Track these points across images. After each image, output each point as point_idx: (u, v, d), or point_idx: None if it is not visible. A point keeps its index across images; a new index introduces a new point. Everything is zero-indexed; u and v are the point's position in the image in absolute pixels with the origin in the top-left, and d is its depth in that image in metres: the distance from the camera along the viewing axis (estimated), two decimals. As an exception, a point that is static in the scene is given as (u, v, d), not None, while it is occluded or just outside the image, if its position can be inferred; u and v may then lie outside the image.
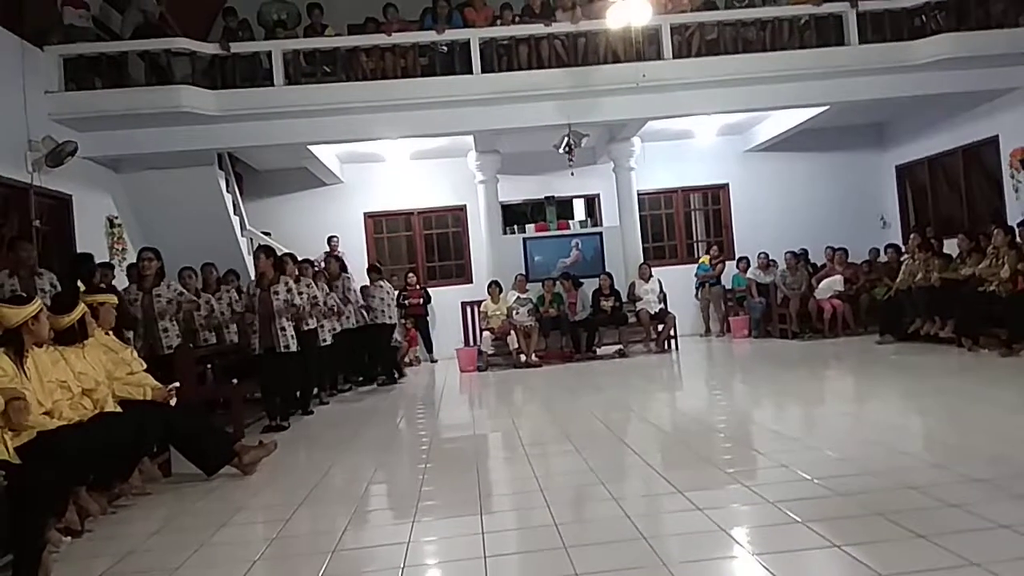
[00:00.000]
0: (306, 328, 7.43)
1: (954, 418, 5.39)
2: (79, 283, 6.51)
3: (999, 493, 3.40)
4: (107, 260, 8.70)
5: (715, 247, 13.03)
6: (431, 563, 3.34)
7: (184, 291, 7.11)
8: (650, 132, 11.86)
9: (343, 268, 9.87)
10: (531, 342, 10.70)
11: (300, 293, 7.36)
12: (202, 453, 4.97)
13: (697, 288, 12.81)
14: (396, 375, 10.02)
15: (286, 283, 7.13)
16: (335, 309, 8.82)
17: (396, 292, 10.44)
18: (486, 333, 10.97)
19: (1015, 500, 3.29)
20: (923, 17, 9.94)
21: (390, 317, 9.88)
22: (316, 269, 9.15)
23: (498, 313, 10.93)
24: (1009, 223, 9.13)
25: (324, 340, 8.11)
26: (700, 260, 13.01)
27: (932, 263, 9.26)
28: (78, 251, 8.34)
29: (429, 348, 12.47)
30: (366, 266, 10.79)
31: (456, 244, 13.48)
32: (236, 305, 8.16)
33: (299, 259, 8.38)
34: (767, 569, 2.77)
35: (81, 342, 4.51)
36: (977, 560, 2.65)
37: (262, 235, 11.33)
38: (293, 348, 7.05)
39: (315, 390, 8.28)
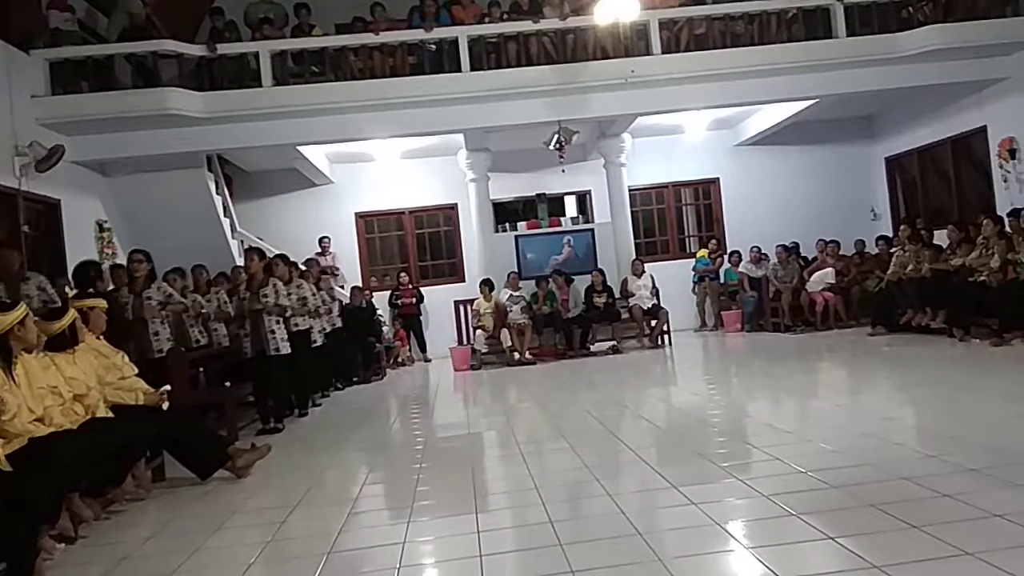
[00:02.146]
0: (296, 329, 7.41)
1: (946, 408, 5.40)
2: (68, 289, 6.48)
3: (992, 482, 3.41)
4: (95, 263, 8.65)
5: (714, 241, 13.05)
6: (427, 563, 3.33)
7: (173, 292, 7.06)
8: (640, 128, 11.87)
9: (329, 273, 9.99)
10: (525, 340, 10.69)
11: (289, 294, 7.34)
12: (196, 457, 4.96)
13: (695, 282, 12.83)
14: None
15: (274, 285, 7.11)
16: (320, 310, 8.75)
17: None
18: (479, 331, 10.97)
19: (1008, 489, 3.31)
20: (910, 9, 9.98)
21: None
22: (304, 270, 9.11)
23: (490, 311, 10.92)
24: (998, 213, 9.16)
25: (314, 341, 8.08)
26: (699, 254, 13.02)
27: (923, 254, 9.30)
28: (67, 257, 8.34)
29: (423, 347, 12.47)
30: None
31: (448, 243, 13.46)
32: (225, 307, 8.13)
33: (290, 259, 8.36)
34: (762, 562, 2.78)
35: (71, 348, 4.49)
36: (971, 550, 2.66)
37: (256, 239, 11.29)
38: (284, 350, 7.03)
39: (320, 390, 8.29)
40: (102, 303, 5.18)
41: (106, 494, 4.30)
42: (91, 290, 5.79)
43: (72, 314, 4.57)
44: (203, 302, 8.03)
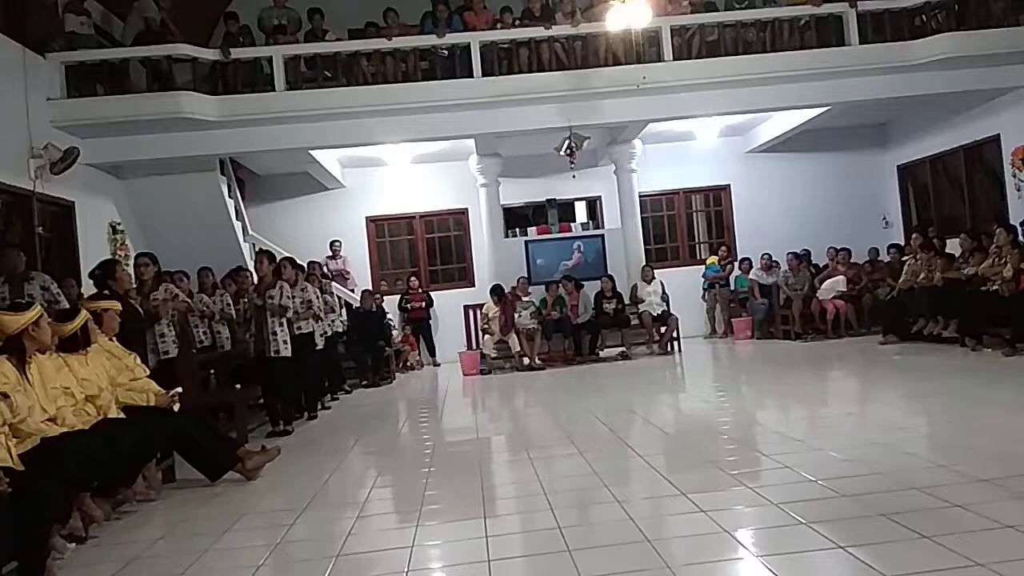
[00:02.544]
0: (299, 332, 7.44)
1: (958, 418, 5.37)
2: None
3: (1003, 493, 3.39)
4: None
5: (724, 247, 13.02)
6: (435, 567, 3.33)
7: (178, 292, 7.12)
8: (651, 134, 11.87)
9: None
10: (534, 345, 10.69)
11: (293, 297, 7.36)
12: (206, 459, 4.97)
13: (705, 289, 12.80)
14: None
15: (281, 287, 7.14)
16: (323, 314, 8.76)
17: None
18: (488, 336, 10.97)
19: (1019, 500, 3.29)
20: (923, 17, 9.94)
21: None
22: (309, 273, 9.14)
23: (497, 316, 10.92)
24: (1011, 222, 9.11)
25: (316, 345, 8.07)
26: (709, 261, 12.99)
27: (935, 263, 9.25)
28: (81, 259, 8.41)
29: (432, 352, 12.48)
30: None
31: (458, 247, 13.48)
32: (228, 309, 8.18)
33: (297, 263, 8.40)
34: (771, 571, 2.77)
35: (84, 349, 4.52)
36: (982, 560, 2.65)
37: (266, 241, 11.34)
38: (284, 352, 7.03)
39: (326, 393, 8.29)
40: (115, 304, 5.21)
41: (117, 494, 4.33)
42: (106, 291, 5.82)
43: (84, 315, 4.60)
44: (209, 302, 8.08)
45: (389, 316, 11.79)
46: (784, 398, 7.06)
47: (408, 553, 3.37)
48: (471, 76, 9.66)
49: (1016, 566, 2.58)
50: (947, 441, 4.77)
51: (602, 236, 12.51)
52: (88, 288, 6.72)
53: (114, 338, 5.06)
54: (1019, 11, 9.63)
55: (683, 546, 3.19)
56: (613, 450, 5.20)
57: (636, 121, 10.66)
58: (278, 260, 7.76)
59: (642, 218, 12.58)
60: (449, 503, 4.26)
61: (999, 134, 10.56)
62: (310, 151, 10.63)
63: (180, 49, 9.19)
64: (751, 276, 12.15)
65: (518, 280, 11.35)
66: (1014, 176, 10.26)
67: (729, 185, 13.58)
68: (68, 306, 5.83)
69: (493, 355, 10.90)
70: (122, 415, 4.53)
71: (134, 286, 6.69)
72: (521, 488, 4.43)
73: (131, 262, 9.36)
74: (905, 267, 9.96)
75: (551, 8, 10.35)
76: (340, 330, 9.75)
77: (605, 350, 11.20)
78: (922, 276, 9.36)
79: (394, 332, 11.81)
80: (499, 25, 10.20)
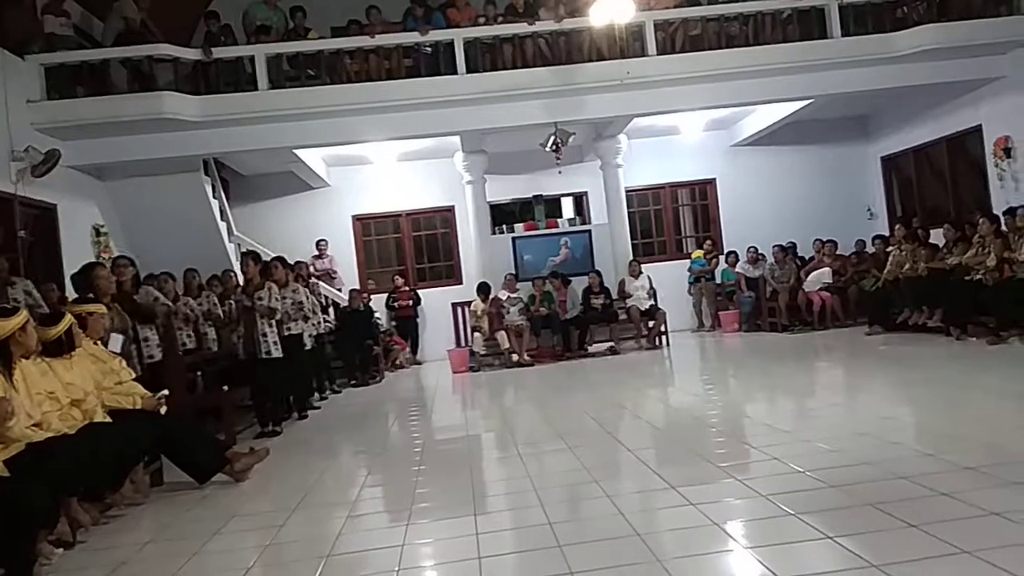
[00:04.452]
0: (288, 333, 7.41)
1: (944, 407, 5.41)
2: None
3: (989, 481, 3.42)
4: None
5: (710, 241, 13.06)
6: (426, 565, 3.33)
7: (160, 295, 7.05)
8: (636, 129, 11.88)
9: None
10: (522, 341, 10.70)
11: (284, 298, 7.32)
12: (194, 461, 4.94)
13: (691, 283, 12.84)
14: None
15: (270, 288, 7.11)
16: (314, 313, 8.73)
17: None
18: (476, 334, 10.97)
19: (1005, 487, 3.31)
20: (905, 8, 10.01)
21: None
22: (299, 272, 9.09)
23: (485, 313, 10.90)
24: (994, 211, 9.18)
25: (304, 345, 8.04)
26: (694, 255, 13.03)
27: (919, 253, 9.31)
28: (64, 262, 8.33)
29: (415, 350, 12.46)
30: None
31: (445, 245, 13.46)
32: (216, 309, 8.13)
33: (287, 263, 8.35)
34: (761, 562, 2.78)
35: (69, 353, 4.48)
36: (969, 548, 2.67)
37: (251, 242, 11.28)
38: (275, 354, 7.01)
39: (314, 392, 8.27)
40: (100, 308, 5.17)
41: (104, 499, 4.30)
42: (90, 295, 5.76)
43: (68, 319, 4.55)
44: (194, 305, 8.03)
45: (377, 315, 11.76)
46: (772, 390, 7.10)
47: (399, 552, 3.36)
48: (455, 73, 9.64)
49: (1002, 553, 2.60)
50: (933, 430, 4.81)
51: (589, 231, 12.53)
52: (71, 292, 6.64)
53: (98, 341, 5.02)
54: (999, 2, 9.71)
55: (673, 539, 3.20)
56: (602, 445, 5.21)
57: (621, 116, 10.68)
58: (267, 261, 7.72)
59: (628, 213, 12.59)
60: (439, 501, 4.26)
61: (981, 124, 10.64)
62: (294, 150, 10.57)
63: (161, 49, 9.12)
64: (737, 269, 12.20)
65: (505, 277, 11.35)
66: (996, 166, 10.34)
67: (714, 179, 13.62)
68: (48, 310, 5.77)
69: (482, 352, 10.90)
70: (108, 419, 4.50)
71: (113, 291, 6.61)
72: (511, 484, 4.43)
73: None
74: (890, 258, 10.03)
75: (534, 4, 10.34)
76: (329, 329, 9.68)
77: (593, 345, 11.22)
78: (907, 267, 9.42)
79: (382, 330, 11.78)
80: (482, 21, 10.19)
